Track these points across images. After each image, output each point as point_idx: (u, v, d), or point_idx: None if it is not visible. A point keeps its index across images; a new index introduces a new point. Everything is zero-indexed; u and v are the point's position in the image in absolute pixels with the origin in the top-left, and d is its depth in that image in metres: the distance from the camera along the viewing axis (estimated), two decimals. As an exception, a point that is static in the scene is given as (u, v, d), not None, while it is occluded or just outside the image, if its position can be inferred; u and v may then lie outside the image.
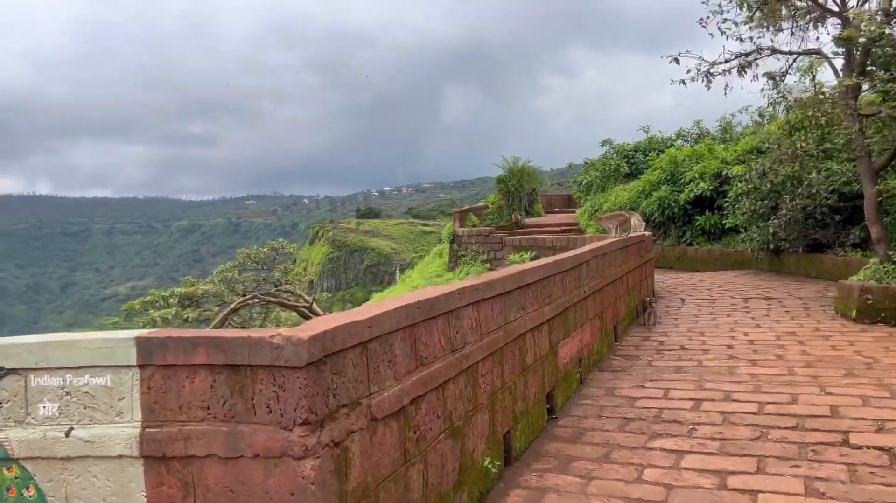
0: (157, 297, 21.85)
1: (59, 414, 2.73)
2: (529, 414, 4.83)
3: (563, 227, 23.07)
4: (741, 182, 16.16)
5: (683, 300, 11.63)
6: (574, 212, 27.04)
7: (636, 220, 12.24)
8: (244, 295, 24.19)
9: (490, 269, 21.57)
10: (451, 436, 3.51)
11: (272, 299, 24.96)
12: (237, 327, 24.67)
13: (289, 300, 26.17)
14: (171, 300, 21.60)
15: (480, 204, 27.21)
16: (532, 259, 19.33)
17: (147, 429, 2.60)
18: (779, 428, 5.06)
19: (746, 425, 5.16)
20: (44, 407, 2.76)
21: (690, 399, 5.92)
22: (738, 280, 14.05)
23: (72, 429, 2.73)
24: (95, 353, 2.67)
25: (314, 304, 26.43)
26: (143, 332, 2.65)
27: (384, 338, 2.90)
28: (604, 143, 26.21)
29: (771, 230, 14.63)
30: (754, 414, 5.42)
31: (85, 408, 2.71)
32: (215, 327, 22.79)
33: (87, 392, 2.70)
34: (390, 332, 2.94)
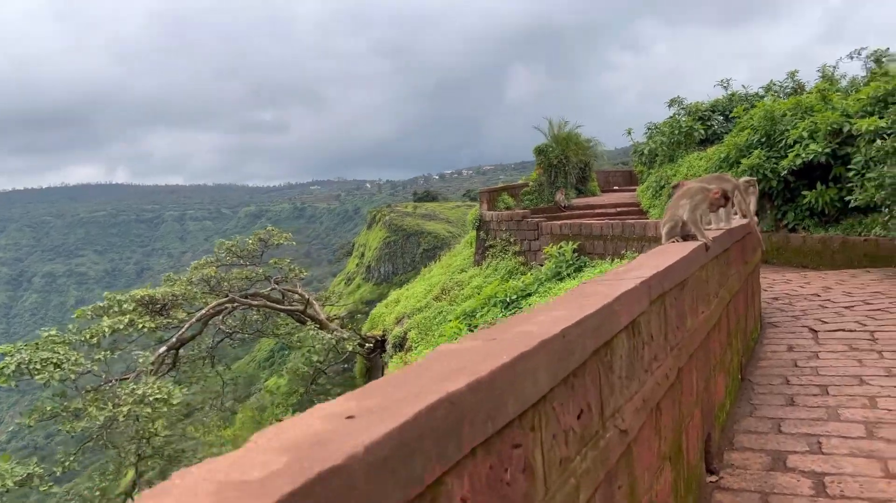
0: (113, 302, 18.30)
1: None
2: None
3: (619, 209, 18.21)
4: (880, 139, 11.05)
5: (816, 332, 6.77)
6: (636, 190, 22.10)
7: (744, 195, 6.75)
8: (227, 296, 20.51)
9: (524, 264, 16.96)
10: None
11: (254, 302, 21.14)
12: (228, 334, 21.01)
13: (281, 301, 22.34)
14: (126, 305, 17.97)
15: (521, 181, 22.55)
16: (574, 251, 14.64)
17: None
18: None
19: None
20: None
21: None
22: (891, 288, 8.98)
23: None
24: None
25: (312, 305, 22.49)
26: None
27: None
28: (672, 102, 21.04)
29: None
30: None
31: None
32: (182, 337, 19.14)
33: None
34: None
